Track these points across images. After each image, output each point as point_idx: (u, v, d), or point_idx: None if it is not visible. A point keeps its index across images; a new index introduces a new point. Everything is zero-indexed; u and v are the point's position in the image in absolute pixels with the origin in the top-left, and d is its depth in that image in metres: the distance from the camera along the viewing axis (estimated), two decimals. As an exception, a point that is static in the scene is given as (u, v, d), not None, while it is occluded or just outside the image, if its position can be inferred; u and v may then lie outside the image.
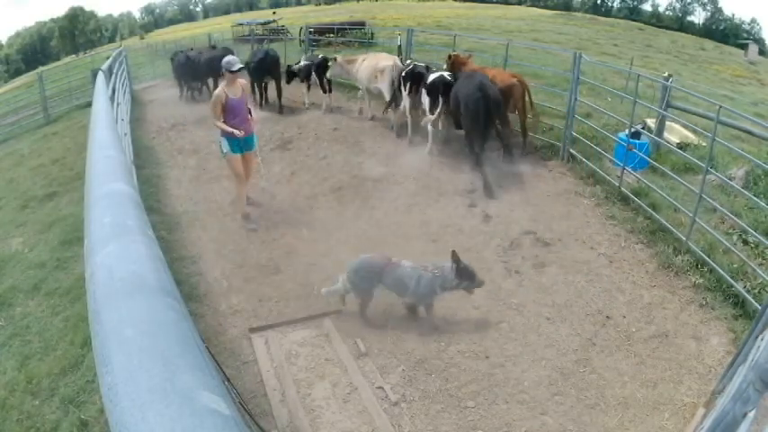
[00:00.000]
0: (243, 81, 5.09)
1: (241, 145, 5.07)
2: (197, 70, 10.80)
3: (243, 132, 4.90)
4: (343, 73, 8.24)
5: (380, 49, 11.26)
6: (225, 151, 5.04)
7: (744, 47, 33.17)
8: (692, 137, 6.74)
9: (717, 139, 4.19)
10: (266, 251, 4.69)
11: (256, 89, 9.45)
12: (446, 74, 6.48)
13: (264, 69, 9.26)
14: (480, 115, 5.64)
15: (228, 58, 5.00)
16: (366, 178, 6.07)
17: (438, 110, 6.30)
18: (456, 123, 6.38)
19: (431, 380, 3.23)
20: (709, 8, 42.81)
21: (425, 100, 6.51)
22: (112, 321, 0.89)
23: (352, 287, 3.68)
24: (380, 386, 3.16)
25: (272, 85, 9.41)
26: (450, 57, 6.97)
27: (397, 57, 8.20)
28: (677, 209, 4.76)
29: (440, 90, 6.26)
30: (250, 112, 5.13)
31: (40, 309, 4.18)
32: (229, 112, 4.88)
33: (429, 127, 6.52)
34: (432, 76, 6.46)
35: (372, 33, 16.90)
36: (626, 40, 30.20)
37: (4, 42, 44.33)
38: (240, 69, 4.99)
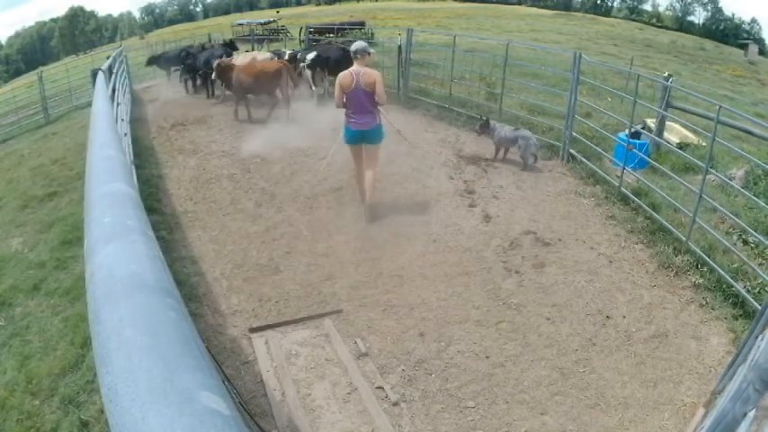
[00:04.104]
0: (357, 69, 4.82)
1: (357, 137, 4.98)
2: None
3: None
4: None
5: (381, 49, 11.28)
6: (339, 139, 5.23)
7: (744, 47, 33.24)
8: (692, 137, 6.75)
9: (717, 139, 4.20)
10: (266, 251, 4.69)
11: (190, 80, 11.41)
12: (320, 53, 9.64)
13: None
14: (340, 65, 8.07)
15: (362, 43, 5.00)
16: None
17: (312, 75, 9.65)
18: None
19: (431, 380, 3.23)
20: (709, 8, 42.90)
21: (307, 73, 9.70)
22: (112, 321, 0.89)
23: None
24: (380, 386, 3.16)
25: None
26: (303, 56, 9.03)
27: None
28: (677, 209, 4.76)
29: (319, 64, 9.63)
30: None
31: (40, 309, 4.18)
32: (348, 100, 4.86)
33: (313, 88, 9.72)
34: (309, 55, 9.62)
35: (372, 33, 16.93)
36: (626, 40, 30.27)
37: (4, 42, 44.42)
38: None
